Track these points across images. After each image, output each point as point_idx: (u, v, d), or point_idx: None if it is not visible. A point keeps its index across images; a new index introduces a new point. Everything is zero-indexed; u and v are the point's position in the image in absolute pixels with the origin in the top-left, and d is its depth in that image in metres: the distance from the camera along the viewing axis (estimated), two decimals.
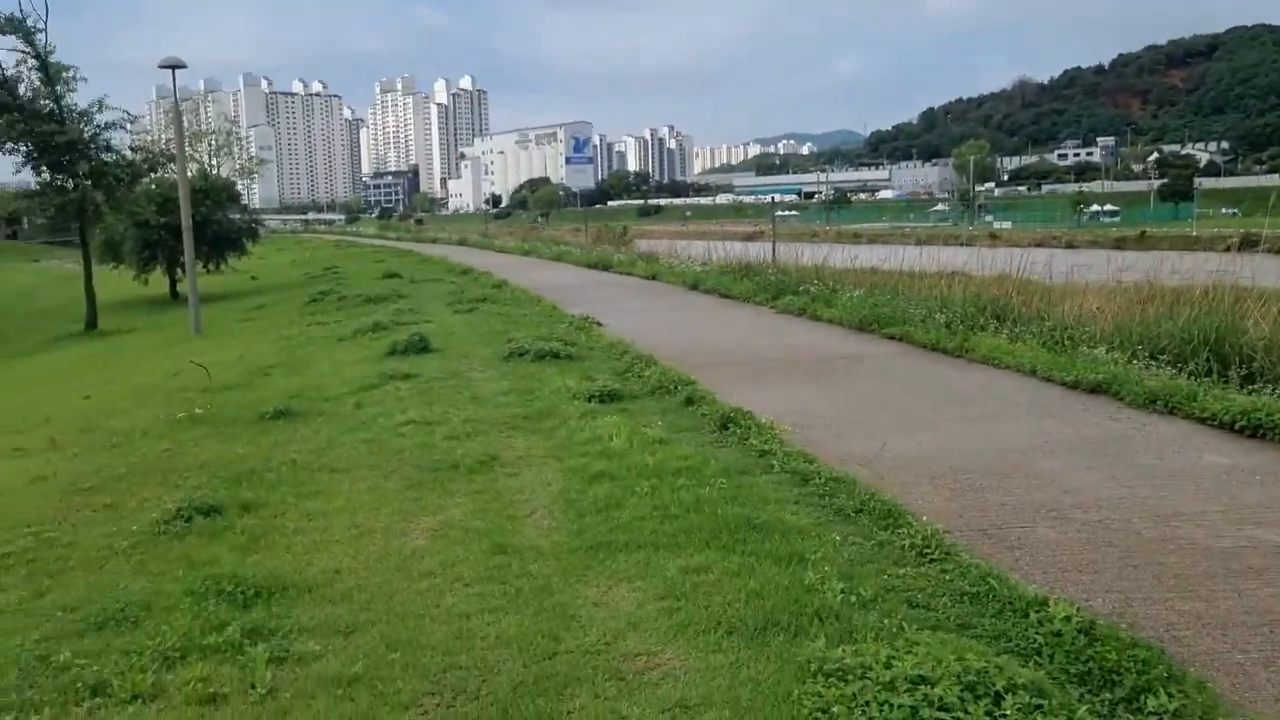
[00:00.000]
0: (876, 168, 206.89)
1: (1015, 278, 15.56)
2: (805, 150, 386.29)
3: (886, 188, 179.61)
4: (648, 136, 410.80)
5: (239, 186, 56.58)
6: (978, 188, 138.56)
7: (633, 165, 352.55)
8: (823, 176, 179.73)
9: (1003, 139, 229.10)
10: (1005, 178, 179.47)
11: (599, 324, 16.22)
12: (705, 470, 7.25)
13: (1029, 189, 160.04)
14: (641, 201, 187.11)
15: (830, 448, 8.13)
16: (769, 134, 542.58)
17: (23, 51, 25.48)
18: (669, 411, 9.57)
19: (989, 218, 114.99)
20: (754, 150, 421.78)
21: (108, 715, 4.20)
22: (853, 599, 4.88)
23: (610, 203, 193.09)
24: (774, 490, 6.88)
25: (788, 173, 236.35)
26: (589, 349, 13.68)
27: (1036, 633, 4.47)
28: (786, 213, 68.66)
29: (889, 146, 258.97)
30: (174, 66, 23.00)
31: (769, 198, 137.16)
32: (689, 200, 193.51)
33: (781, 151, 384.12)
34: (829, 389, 10.86)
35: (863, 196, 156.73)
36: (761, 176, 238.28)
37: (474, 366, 12.63)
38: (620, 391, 10.33)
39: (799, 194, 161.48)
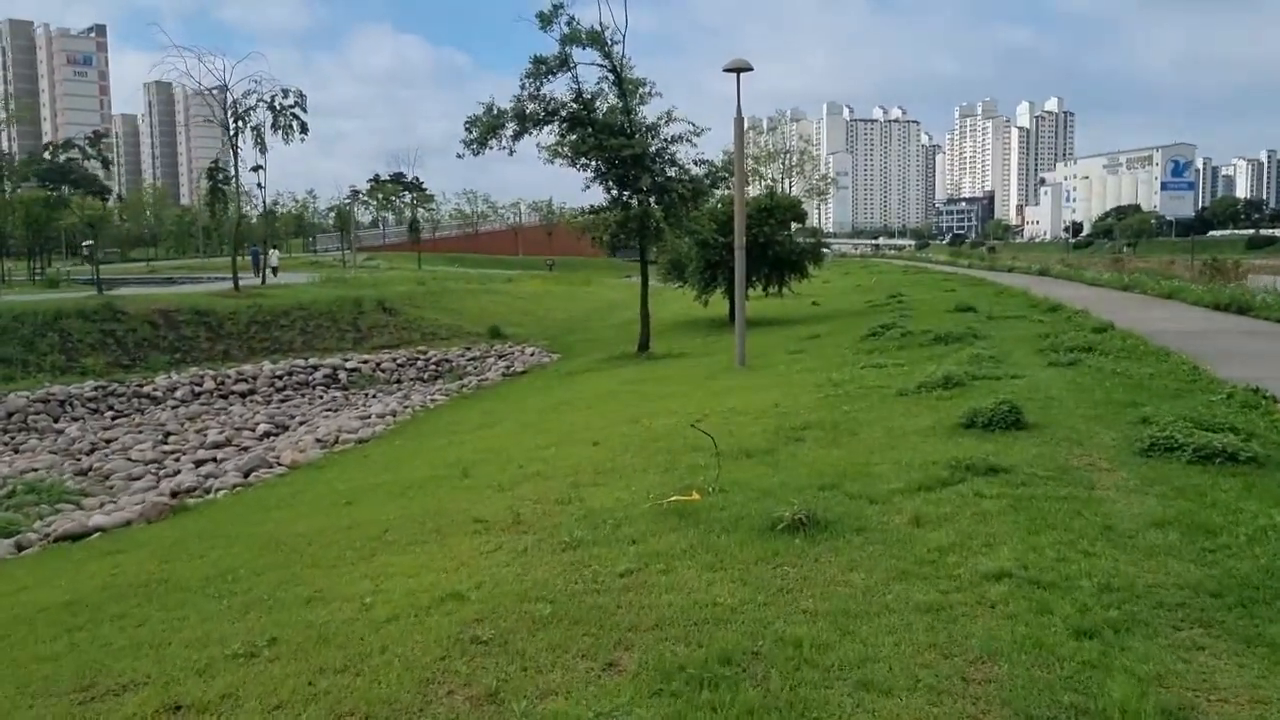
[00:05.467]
0: None
1: None
2: None
3: None
4: (1263, 159, 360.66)
5: (809, 206, 55.29)
6: None
7: (1242, 191, 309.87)
8: None
9: None
10: None
11: (1277, 400, 10.89)
12: None
13: None
14: (1251, 231, 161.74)
15: None
16: None
17: (600, 65, 24.96)
18: None
19: None
20: None
21: None
22: None
23: (1211, 232, 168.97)
24: None
25: None
26: None
27: None
28: None
29: None
30: (739, 70, 20.75)
31: None
32: None
33: None
34: None
35: None
36: None
37: (1094, 461, 8.23)
38: None
39: None
